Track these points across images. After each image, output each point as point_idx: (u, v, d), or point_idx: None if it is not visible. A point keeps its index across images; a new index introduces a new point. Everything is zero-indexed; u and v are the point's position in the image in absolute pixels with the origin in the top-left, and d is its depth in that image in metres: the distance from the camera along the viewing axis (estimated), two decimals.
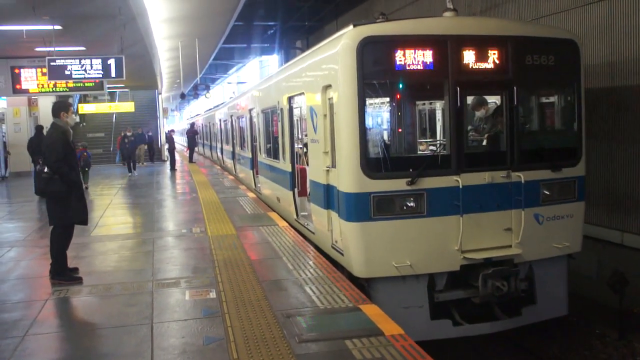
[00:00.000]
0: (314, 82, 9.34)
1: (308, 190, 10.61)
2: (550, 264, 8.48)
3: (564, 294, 8.73)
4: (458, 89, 7.85)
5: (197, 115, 50.41)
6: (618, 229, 11.14)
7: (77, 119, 35.17)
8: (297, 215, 11.26)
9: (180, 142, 53.99)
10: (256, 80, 25.36)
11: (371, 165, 7.70)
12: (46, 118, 23.36)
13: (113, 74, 18.75)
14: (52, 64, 18.20)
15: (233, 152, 22.67)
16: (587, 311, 10.42)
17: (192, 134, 34.36)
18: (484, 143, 8.78)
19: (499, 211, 8.04)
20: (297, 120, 11.88)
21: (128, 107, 35.55)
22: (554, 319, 8.79)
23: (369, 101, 7.85)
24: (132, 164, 26.65)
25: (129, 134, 27.58)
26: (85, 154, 20.58)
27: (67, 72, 18.44)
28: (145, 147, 32.70)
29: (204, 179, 22.47)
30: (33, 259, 9.75)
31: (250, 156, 17.45)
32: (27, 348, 5.76)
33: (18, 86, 21.77)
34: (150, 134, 34.63)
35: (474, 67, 7.92)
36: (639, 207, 10.81)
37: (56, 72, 18.45)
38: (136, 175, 25.36)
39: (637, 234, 10.74)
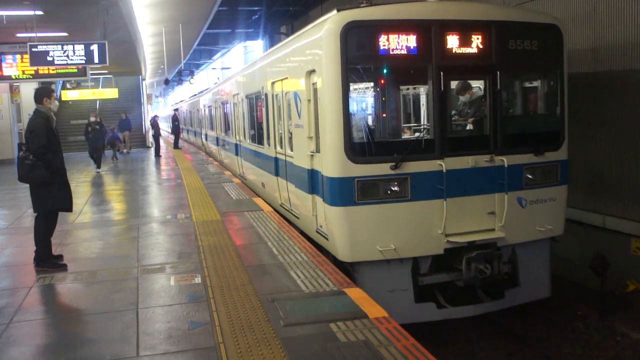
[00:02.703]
0: (298, 67, 9.33)
1: None
2: (533, 247, 8.58)
3: (546, 276, 8.85)
4: (442, 73, 7.88)
5: (182, 101, 50.10)
6: (600, 212, 11.27)
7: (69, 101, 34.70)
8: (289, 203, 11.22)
9: (165, 128, 53.67)
10: (240, 66, 25.23)
11: (355, 150, 7.73)
12: (28, 105, 23.12)
13: (96, 60, 18.52)
14: (33, 50, 17.94)
15: (217, 138, 22.60)
16: (569, 293, 10.56)
17: (176, 120, 34.19)
18: (468, 127, 8.83)
19: (482, 195, 8.12)
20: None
21: (112, 93, 35.21)
22: (536, 301, 8.91)
23: (352, 86, 7.87)
24: (104, 155, 22.83)
25: (92, 119, 23.15)
26: (113, 134, 27.49)
27: (49, 58, 18.19)
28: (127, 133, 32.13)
29: (188, 165, 22.40)
30: (17, 246, 9.69)
31: (235, 142, 17.41)
32: (12, 335, 5.76)
33: None
34: (123, 117, 31.92)
35: (457, 51, 7.96)
36: (620, 191, 10.93)
37: (38, 58, 18.20)
38: (102, 172, 21.36)
39: (618, 217, 10.88)
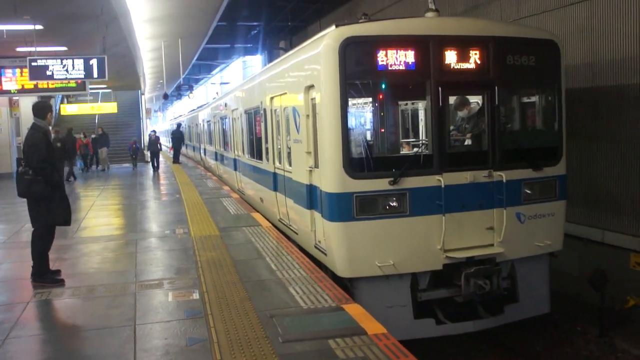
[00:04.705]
0: (297, 82, 9.35)
1: None
2: (532, 262, 8.55)
3: (545, 291, 8.82)
4: (440, 89, 7.90)
5: (180, 116, 50.17)
6: (599, 227, 11.26)
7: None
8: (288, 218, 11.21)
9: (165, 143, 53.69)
10: (239, 81, 25.32)
11: (354, 166, 7.72)
12: (27, 119, 23.12)
13: (95, 75, 18.63)
14: (33, 64, 18.05)
15: (216, 153, 22.61)
16: (568, 309, 10.52)
17: (177, 135, 34.06)
18: (466, 143, 8.84)
19: (481, 210, 8.09)
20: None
21: (111, 107, 35.29)
22: (536, 316, 8.87)
23: (351, 101, 7.87)
24: (71, 176, 22.20)
25: (54, 136, 20.30)
26: (135, 145, 30.06)
27: (48, 73, 18.30)
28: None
29: (187, 179, 22.39)
30: (14, 261, 9.65)
31: (234, 157, 17.41)
32: (9, 351, 5.71)
33: None
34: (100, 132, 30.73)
35: (455, 67, 7.97)
36: (618, 206, 10.93)
37: (37, 73, 18.30)
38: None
39: (617, 232, 10.86)
